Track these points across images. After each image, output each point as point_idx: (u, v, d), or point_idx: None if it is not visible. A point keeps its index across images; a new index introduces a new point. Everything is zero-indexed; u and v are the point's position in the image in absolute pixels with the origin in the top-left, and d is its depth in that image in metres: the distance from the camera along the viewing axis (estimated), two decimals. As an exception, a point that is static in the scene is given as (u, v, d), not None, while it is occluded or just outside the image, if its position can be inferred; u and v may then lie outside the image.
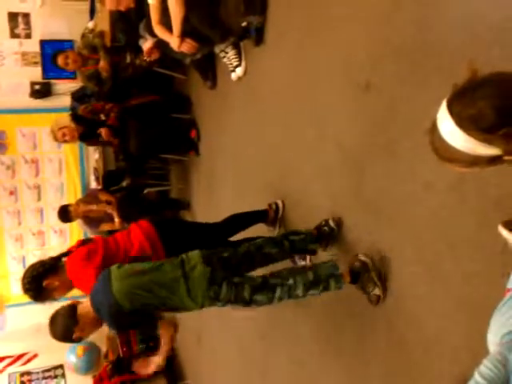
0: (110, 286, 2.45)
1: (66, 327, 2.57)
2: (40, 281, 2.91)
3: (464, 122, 1.15)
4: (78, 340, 2.64)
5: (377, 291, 2.45)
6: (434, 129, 1.24)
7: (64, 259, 3.02)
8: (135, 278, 2.50)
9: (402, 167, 2.28)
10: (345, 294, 2.63)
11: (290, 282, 2.52)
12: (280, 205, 3.41)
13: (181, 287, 2.44)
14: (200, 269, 2.49)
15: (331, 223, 2.80)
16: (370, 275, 2.47)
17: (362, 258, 2.52)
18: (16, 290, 7.17)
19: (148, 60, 4.57)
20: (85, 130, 5.17)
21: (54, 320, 2.65)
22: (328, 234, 2.82)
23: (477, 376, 1.19)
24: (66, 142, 5.25)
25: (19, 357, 7.38)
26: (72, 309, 2.59)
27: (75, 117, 5.21)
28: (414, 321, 2.26)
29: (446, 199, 2.03)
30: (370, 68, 2.47)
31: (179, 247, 2.91)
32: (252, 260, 2.78)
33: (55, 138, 5.16)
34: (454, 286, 2.02)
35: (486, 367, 1.20)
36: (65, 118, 5.09)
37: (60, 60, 5.49)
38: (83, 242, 3.12)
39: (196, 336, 5.63)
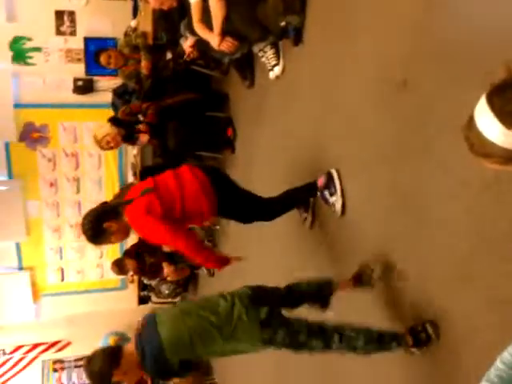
0: (158, 332, 2.39)
1: (104, 369, 2.42)
2: (100, 222, 2.98)
3: (505, 116, 1.16)
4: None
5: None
6: (470, 124, 1.25)
7: (124, 207, 3.06)
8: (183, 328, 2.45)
9: (437, 165, 2.30)
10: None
11: (350, 333, 2.45)
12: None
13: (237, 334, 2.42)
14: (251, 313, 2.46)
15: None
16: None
17: (428, 328, 2.36)
18: (52, 279, 7.38)
19: (188, 59, 4.66)
20: (126, 132, 5.26)
21: (92, 359, 2.52)
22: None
23: (498, 361, 1.22)
24: (112, 148, 5.25)
25: (53, 344, 7.58)
26: (115, 350, 2.49)
27: (115, 121, 5.31)
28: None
29: (481, 198, 2.05)
30: (407, 66, 2.49)
31: (230, 209, 3.11)
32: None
33: (101, 148, 5.17)
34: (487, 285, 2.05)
35: (508, 353, 1.23)
36: (105, 127, 5.17)
37: (102, 59, 5.65)
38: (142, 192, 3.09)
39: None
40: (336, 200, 3.16)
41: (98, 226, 2.98)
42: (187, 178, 3.18)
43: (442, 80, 2.25)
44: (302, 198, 3.48)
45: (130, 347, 2.46)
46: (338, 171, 3.18)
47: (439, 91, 2.27)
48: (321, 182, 3.26)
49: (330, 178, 3.20)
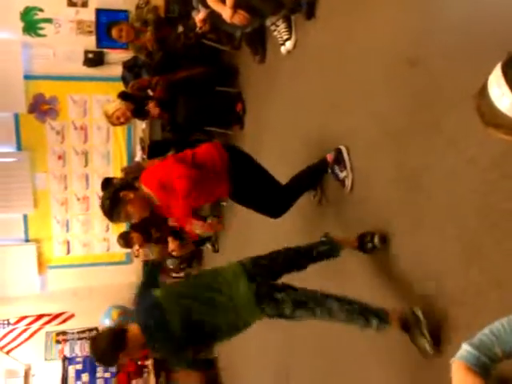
0: (153, 296, 2.58)
1: (110, 352, 2.51)
2: (117, 192, 3.11)
3: None
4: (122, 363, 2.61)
5: (427, 346, 2.36)
6: (482, 93, 1.23)
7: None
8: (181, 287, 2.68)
9: (446, 142, 2.27)
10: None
11: (334, 304, 2.53)
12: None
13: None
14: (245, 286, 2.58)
15: (376, 240, 2.77)
16: (421, 331, 2.39)
17: (418, 313, 2.42)
18: (58, 252, 7.42)
19: (200, 31, 4.63)
20: (135, 106, 5.25)
21: (96, 341, 2.64)
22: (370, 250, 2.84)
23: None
24: (122, 123, 5.28)
25: (57, 316, 7.64)
26: (122, 332, 2.53)
27: (124, 95, 5.30)
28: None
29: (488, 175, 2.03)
30: (420, 42, 2.47)
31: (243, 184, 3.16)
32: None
33: (112, 124, 5.24)
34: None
35: (499, 323, 1.24)
36: (113, 102, 5.16)
37: (114, 32, 5.63)
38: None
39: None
40: (346, 176, 3.15)
41: (115, 196, 3.11)
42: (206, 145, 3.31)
43: (455, 57, 2.22)
44: (315, 178, 3.48)
45: (133, 328, 2.53)
46: (347, 147, 3.16)
47: (451, 68, 2.25)
48: (330, 157, 3.26)
49: (339, 153, 3.20)
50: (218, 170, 3.19)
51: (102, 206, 3.17)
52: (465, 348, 1.31)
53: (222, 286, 2.61)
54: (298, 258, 2.86)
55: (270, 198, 3.35)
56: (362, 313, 2.51)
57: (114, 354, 2.49)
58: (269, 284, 2.64)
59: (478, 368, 1.27)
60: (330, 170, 3.28)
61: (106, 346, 2.51)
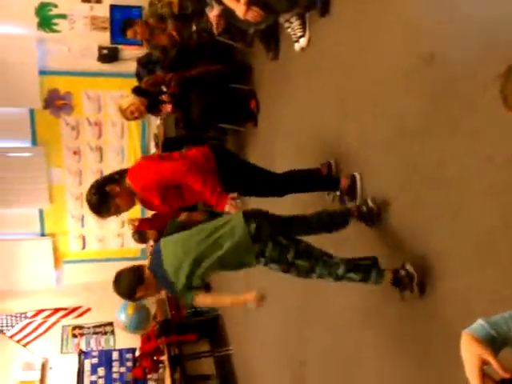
0: (162, 260, 2.73)
1: (130, 284, 2.80)
2: (103, 186, 3.11)
3: None
4: (139, 299, 2.87)
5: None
6: (509, 74, 1.20)
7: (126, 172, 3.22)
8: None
9: (461, 140, 2.25)
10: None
11: (335, 260, 2.62)
12: (333, 164, 3.42)
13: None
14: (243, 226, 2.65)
15: (370, 203, 2.89)
16: (412, 287, 2.53)
17: (409, 269, 2.55)
18: (74, 247, 7.49)
19: (217, 32, 4.60)
20: (149, 102, 5.24)
21: (119, 276, 2.87)
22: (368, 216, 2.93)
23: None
24: (136, 118, 5.26)
25: (73, 309, 7.72)
26: (139, 269, 2.82)
27: (138, 91, 5.29)
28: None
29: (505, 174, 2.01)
30: (435, 40, 2.44)
31: (233, 181, 3.14)
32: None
33: (126, 119, 5.21)
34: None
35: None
36: (129, 97, 5.16)
37: (129, 34, 5.64)
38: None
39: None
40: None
41: (102, 190, 3.10)
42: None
43: (470, 55, 2.19)
44: (313, 185, 3.48)
45: (147, 270, 2.83)
46: (361, 175, 3.17)
47: (467, 66, 2.21)
48: (344, 183, 3.26)
49: (353, 182, 3.20)
50: (205, 169, 3.18)
51: (89, 202, 3.13)
52: (478, 322, 1.31)
53: (222, 228, 2.71)
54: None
55: (263, 181, 3.38)
56: (362, 268, 2.62)
57: (133, 286, 2.79)
58: (272, 227, 2.69)
59: (485, 340, 1.26)
60: (338, 193, 3.33)
61: (127, 279, 2.81)
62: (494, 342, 1.25)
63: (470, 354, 1.25)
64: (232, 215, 2.80)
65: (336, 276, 2.61)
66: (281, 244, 2.60)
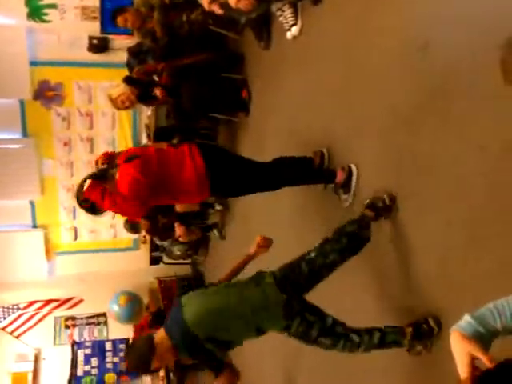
0: (182, 312, 2.52)
1: (143, 356, 2.55)
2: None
3: None
4: (156, 370, 2.64)
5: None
6: (510, 50, 1.20)
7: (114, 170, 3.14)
8: (207, 300, 2.60)
9: (456, 129, 2.26)
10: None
11: (355, 339, 2.54)
12: (325, 153, 3.41)
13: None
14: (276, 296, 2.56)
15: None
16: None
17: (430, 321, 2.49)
18: (66, 238, 7.47)
19: (210, 12, 4.55)
20: (140, 91, 5.22)
21: (131, 349, 2.73)
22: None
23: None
24: (127, 108, 5.24)
25: (66, 301, 7.72)
26: (149, 338, 2.58)
27: (129, 80, 5.26)
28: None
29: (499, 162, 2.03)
30: (429, 28, 2.45)
31: (223, 180, 3.13)
32: (319, 275, 2.72)
33: (117, 108, 5.19)
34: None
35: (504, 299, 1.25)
36: (118, 87, 5.14)
37: (119, 21, 5.59)
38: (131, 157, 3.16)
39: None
40: (347, 198, 3.25)
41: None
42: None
43: (464, 44, 2.20)
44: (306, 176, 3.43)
45: (159, 334, 2.58)
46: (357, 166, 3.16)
47: (460, 55, 2.23)
48: (340, 177, 3.23)
49: (349, 174, 3.18)
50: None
51: (78, 199, 3.13)
52: (465, 318, 1.33)
53: (249, 300, 2.59)
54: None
55: (254, 175, 3.31)
56: (383, 344, 2.56)
57: (147, 358, 2.52)
58: (301, 301, 2.62)
59: (473, 337, 1.29)
60: (333, 187, 3.32)
61: (138, 353, 2.58)
62: (482, 338, 1.29)
63: (460, 351, 1.29)
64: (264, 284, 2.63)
65: (355, 351, 2.58)
66: (307, 321, 2.53)
